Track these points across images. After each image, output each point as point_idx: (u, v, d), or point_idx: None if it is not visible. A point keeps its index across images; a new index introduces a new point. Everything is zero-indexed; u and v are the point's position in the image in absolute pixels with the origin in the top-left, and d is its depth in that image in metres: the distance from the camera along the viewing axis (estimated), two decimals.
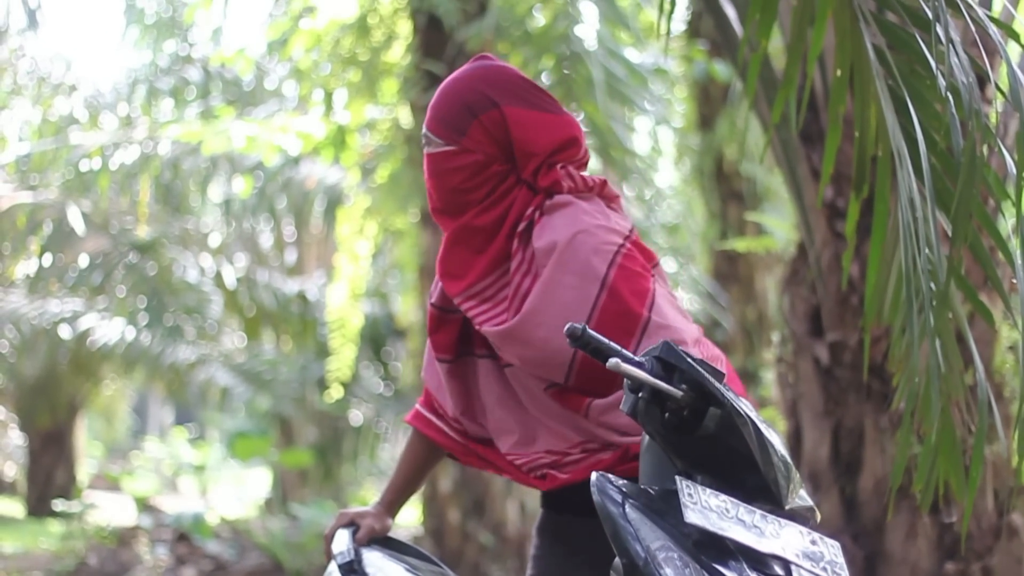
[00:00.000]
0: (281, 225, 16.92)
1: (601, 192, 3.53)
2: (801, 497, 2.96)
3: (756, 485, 2.89)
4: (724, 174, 13.20)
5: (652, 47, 10.36)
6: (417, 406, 3.76)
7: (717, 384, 2.85)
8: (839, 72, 3.78)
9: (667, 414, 2.86)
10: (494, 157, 3.45)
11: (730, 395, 2.86)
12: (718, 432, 2.85)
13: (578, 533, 3.45)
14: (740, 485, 2.88)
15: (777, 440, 2.95)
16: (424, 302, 3.59)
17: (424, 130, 3.53)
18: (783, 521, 2.87)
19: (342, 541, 3.59)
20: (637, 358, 2.85)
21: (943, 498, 5.42)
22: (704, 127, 13.12)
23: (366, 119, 10.95)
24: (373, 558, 3.55)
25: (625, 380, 2.89)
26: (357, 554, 3.55)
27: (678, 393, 2.83)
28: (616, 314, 3.35)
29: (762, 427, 2.90)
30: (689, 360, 2.86)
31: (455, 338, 3.57)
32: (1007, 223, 4.32)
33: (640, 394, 2.86)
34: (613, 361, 2.81)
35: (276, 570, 13.30)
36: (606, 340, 2.88)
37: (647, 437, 2.97)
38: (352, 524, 3.68)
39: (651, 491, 2.88)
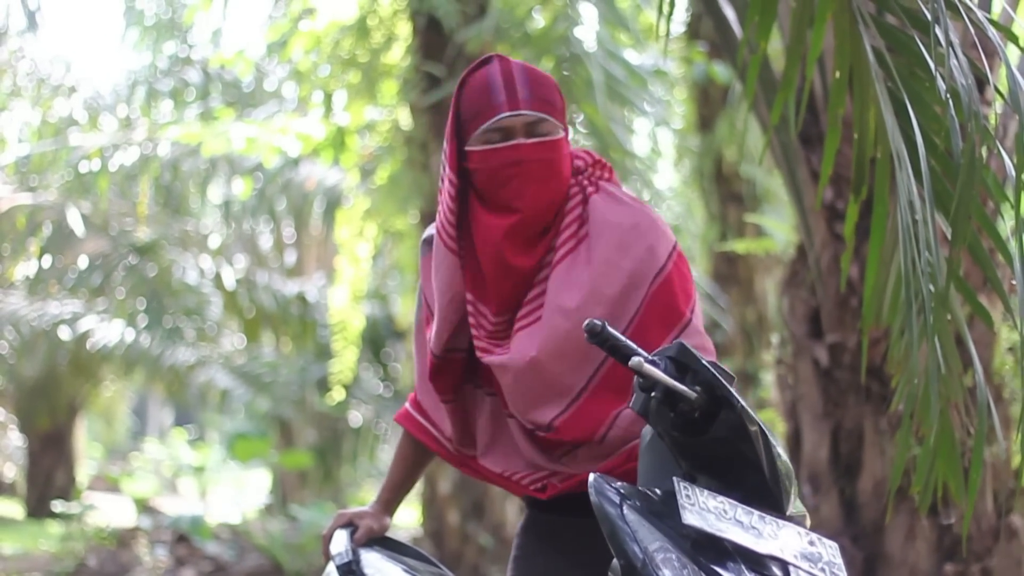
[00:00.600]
0: (281, 227, 16.93)
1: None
2: (796, 506, 2.97)
3: (759, 490, 2.89)
4: (723, 176, 13.20)
5: (651, 49, 10.35)
6: (407, 406, 3.68)
7: (729, 387, 2.86)
8: (838, 74, 3.78)
9: (674, 415, 2.86)
10: None
11: (741, 399, 2.87)
12: (728, 436, 2.86)
13: (565, 533, 3.43)
14: (743, 489, 2.88)
15: (780, 446, 2.96)
16: None
17: (539, 115, 3.32)
18: (781, 522, 2.87)
19: (340, 542, 3.59)
20: (651, 356, 2.85)
21: (942, 500, 5.42)
22: (703, 129, 13.12)
23: (366, 121, 10.94)
24: (371, 559, 3.54)
25: (636, 379, 2.88)
26: (355, 555, 3.55)
27: (692, 395, 2.83)
28: (664, 306, 3.34)
29: (768, 433, 2.91)
30: (703, 362, 2.86)
31: (459, 379, 3.48)
32: (1006, 225, 4.33)
33: (653, 393, 2.86)
34: (636, 360, 2.81)
35: (275, 571, 13.31)
36: (624, 338, 2.87)
37: (646, 438, 2.97)
38: (350, 524, 3.67)
39: (649, 492, 2.88)
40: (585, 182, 3.41)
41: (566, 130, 3.37)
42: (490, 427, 3.47)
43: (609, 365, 3.29)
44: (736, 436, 2.86)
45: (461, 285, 3.39)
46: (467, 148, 3.33)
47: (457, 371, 3.45)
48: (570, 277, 3.32)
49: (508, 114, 3.30)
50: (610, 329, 2.85)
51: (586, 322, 2.86)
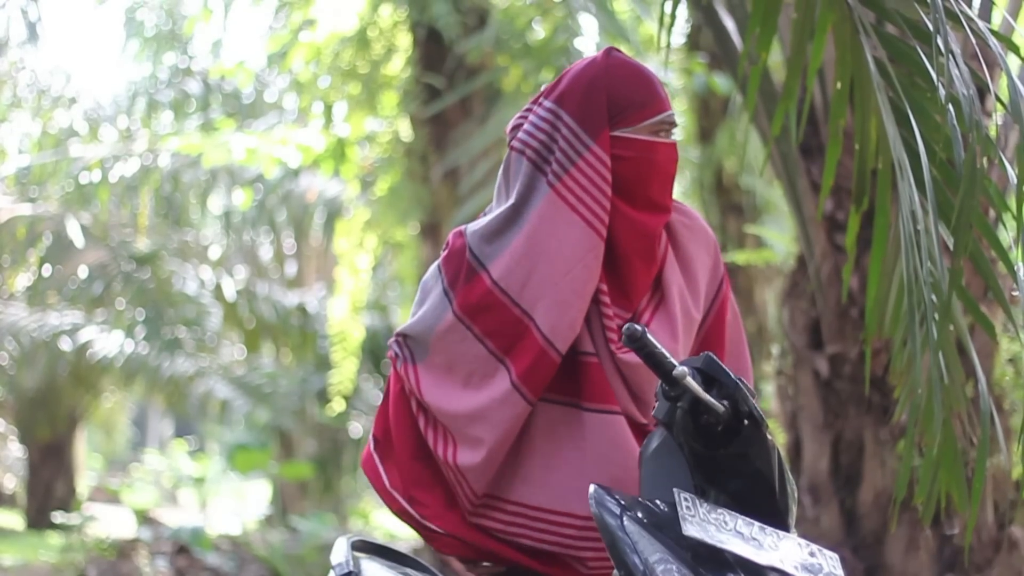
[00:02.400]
0: (281, 237, 16.94)
1: None
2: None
3: (768, 508, 2.90)
4: (724, 187, 13.18)
5: (652, 60, 10.36)
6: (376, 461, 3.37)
7: (754, 403, 2.86)
8: (839, 85, 3.78)
9: (696, 427, 2.87)
10: None
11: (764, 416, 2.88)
12: (748, 451, 2.86)
13: None
14: (752, 506, 2.88)
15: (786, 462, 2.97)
16: None
17: (673, 117, 3.24)
18: (782, 533, 2.87)
19: (340, 552, 3.58)
20: (679, 366, 2.85)
21: (944, 510, 5.42)
22: (704, 140, 13.10)
23: (366, 132, 10.96)
24: (372, 568, 3.54)
25: (661, 386, 2.88)
26: (356, 564, 3.54)
27: (720, 408, 2.83)
28: (728, 296, 3.40)
29: (780, 451, 2.92)
30: (731, 376, 2.86)
31: (551, 377, 3.18)
32: (1008, 234, 4.33)
33: (679, 403, 2.86)
34: (680, 370, 2.81)
35: None
36: (660, 347, 2.85)
37: (649, 448, 2.97)
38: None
39: (649, 504, 2.87)
40: None
41: None
42: (547, 446, 3.20)
43: (693, 350, 3.29)
44: (756, 452, 2.87)
45: (598, 278, 3.19)
46: (627, 135, 3.20)
47: (548, 374, 3.17)
48: (680, 275, 3.30)
49: (670, 112, 3.24)
50: (649, 336, 2.83)
51: (626, 326, 2.83)
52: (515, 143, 3.27)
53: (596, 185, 3.17)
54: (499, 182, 3.31)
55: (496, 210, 3.27)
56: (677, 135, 3.26)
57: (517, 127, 3.29)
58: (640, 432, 3.17)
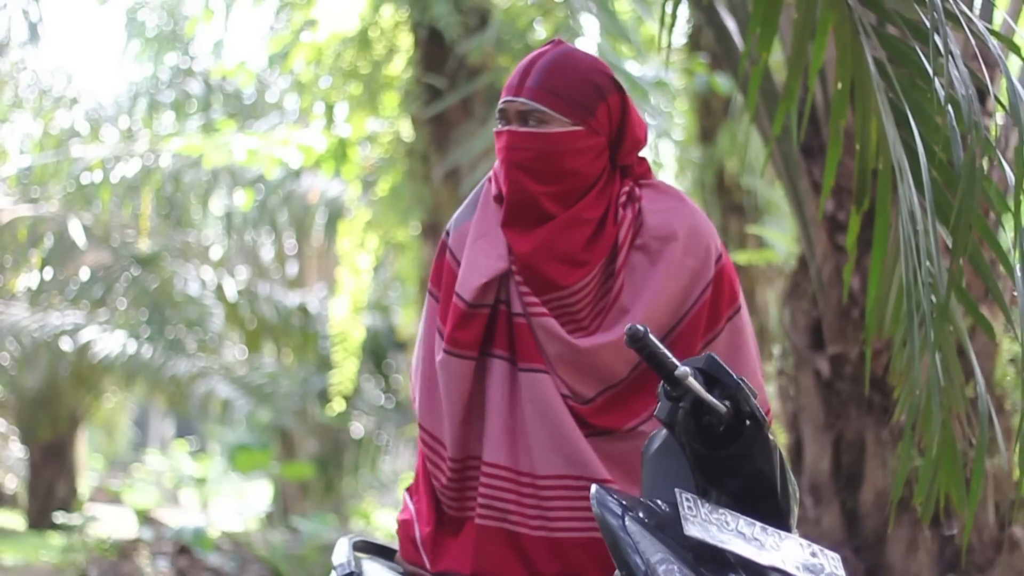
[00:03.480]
0: (282, 238, 16.93)
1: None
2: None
3: (769, 508, 2.90)
4: (725, 187, 13.18)
5: (653, 60, 10.36)
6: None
7: (756, 404, 2.86)
8: (840, 85, 3.78)
9: (697, 427, 2.87)
10: (608, 141, 3.36)
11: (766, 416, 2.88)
12: (750, 452, 2.86)
13: None
14: (754, 506, 2.88)
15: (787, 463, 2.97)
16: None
17: (532, 105, 3.30)
18: (783, 534, 2.88)
19: (342, 552, 3.58)
20: (682, 366, 2.86)
21: (944, 511, 5.41)
22: (705, 140, 13.10)
23: (367, 132, 10.95)
24: (373, 569, 3.54)
25: (663, 386, 2.89)
26: (358, 565, 3.54)
27: (723, 409, 2.83)
28: (719, 297, 3.37)
29: (782, 452, 2.92)
30: (733, 376, 2.87)
31: (480, 335, 3.33)
32: (1007, 236, 4.33)
33: (681, 404, 2.86)
34: (682, 371, 2.82)
35: None
36: (662, 347, 2.86)
37: (651, 449, 2.97)
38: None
39: (651, 504, 2.88)
40: (631, 180, 3.41)
41: (588, 126, 3.32)
42: (504, 391, 3.34)
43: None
44: (758, 453, 2.87)
45: (504, 245, 3.38)
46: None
47: (480, 327, 3.34)
48: (642, 275, 3.32)
49: (505, 99, 3.34)
50: (651, 337, 2.84)
51: (628, 327, 2.85)
52: None
53: (501, 165, 3.37)
54: None
55: (471, 198, 3.53)
56: (532, 124, 3.31)
57: None
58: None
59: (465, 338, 3.32)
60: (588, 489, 3.10)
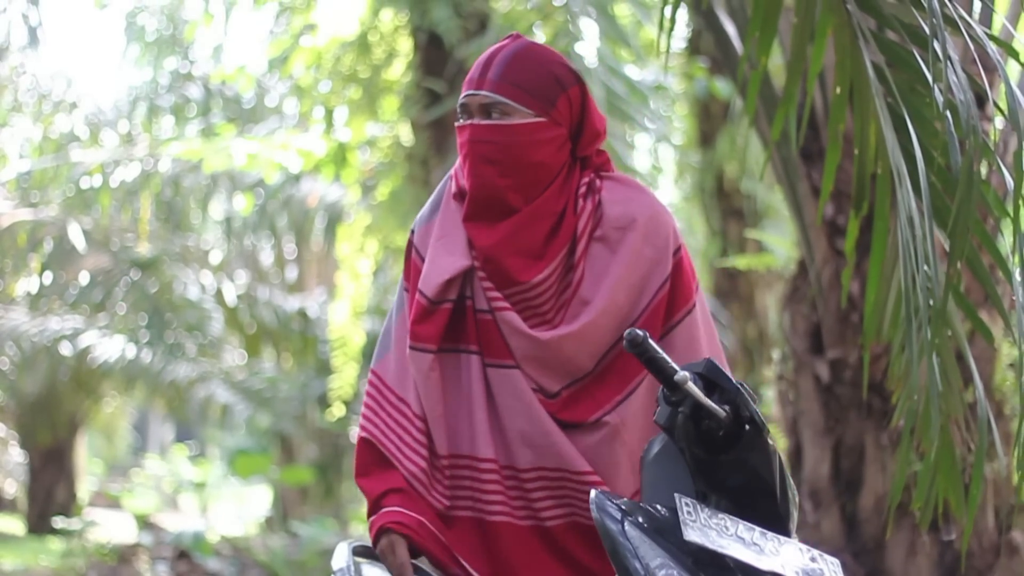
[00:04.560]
0: (282, 242, 16.93)
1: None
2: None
3: (769, 513, 2.90)
4: (724, 191, 13.20)
5: (653, 64, 10.36)
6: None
7: (755, 408, 2.86)
8: (839, 89, 3.78)
9: (697, 432, 2.87)
10: (569, 133, 3.37)
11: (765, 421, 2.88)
12: (750, 456, 2.86)
13: None
14: (753, 511, 2.88)
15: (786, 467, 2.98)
16: None
17: (495, 97, 3.32)
18: (782, 538, 2.87)
19: (342, 556, 3.58)
20: (681, 371, 2.86)
21: (943, 516, 5.41)
22: (704, 144, 13.12)
23: (367, 137, 10.95)
24: (373, 573, 3.54)
25: (662, 390, 2.89)
26: (357, 569, 3.54)
27: (722, 413, 2.83)
28: (680, 287, 3.37)
29: (781, 456, 2.92)
30: (732, 381, 2.87)
31: (441, 329, 3.37)
32: (1005, 241, 4.32)
33: (681, 408, 2.86)
34: (682, 375, 2.82)
35: None
36: (662, 352, 2.87)
37: (651, 453, 2.97)
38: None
39: (650, 509, 2.88)
40: (591, 172, 3.42)
41: (549, 117, 3.33)
42: (484, 397, 3.35)
43: (617, 351, 3.30)
44: (757, 457, 2.87)
45: (464, 241, 3.40)
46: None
47: (441, 321, 3.37)
48: (601, 265, 3.33)
49: (467, 93, 3.36)
50: (650, 341, 2.85)
51: (627, 331, 2.86)
52: None
53: (460, 161, 3.40)
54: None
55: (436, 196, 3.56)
56: (496, 116, 3.32)
57: None
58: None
59: (425, 332, 3.36)
60: (565, 479, 3.22)
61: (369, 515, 3.40)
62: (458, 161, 3.41)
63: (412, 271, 3.47)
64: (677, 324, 3.36)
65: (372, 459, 3.40)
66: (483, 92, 3.33)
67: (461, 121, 3.37)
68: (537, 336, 3.30)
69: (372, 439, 3.39)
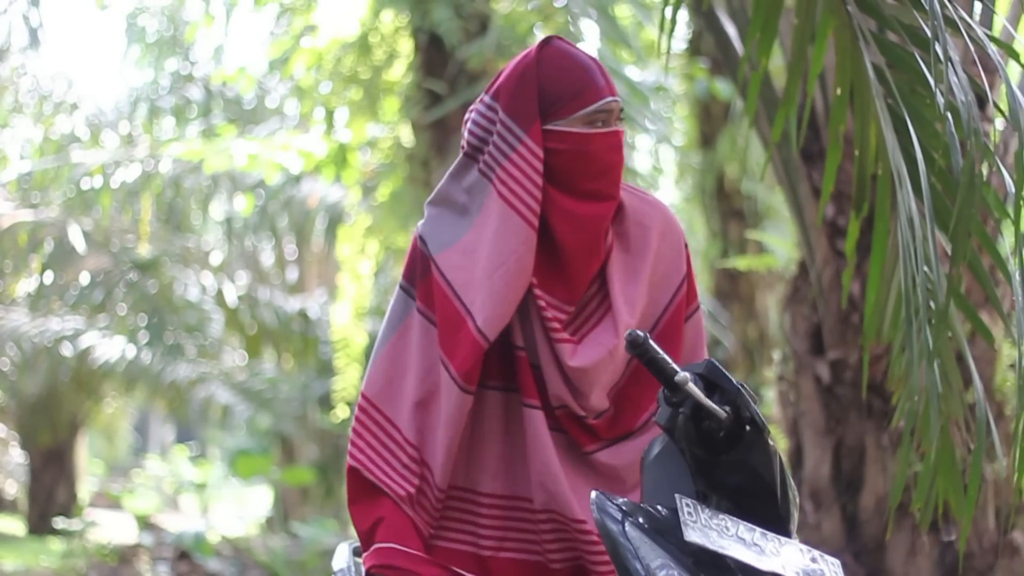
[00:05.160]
0: (282, 243, 16.94)
1: None
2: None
3: (769, 514, 2.90)
4: (725, 192, 13.20)
5: (653, 65, 10.36)
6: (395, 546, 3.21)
7: (756, 409, 2.86)
8: (839, 91, 3.79)
9: (698, 432, 2.87)
10: None
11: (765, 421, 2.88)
12: (751, 457, 2.86)
13: None
14: (753, 511, 2.88)
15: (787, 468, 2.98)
16: None
17: (617, 103, 3.19)
18: (783, 539, 2.88)
19: (342, 557, 3.58)
20: (682, 371, 2.86)
21: (944, 517, 5.42)
22: (705, 145, 13.12)
23: (367, 138, 10.95)
24: None
25: (663, 391, 2.89)
26: (358, 570, 3.54)
27: (723, 414, 2.83)
28: (690, 290, 3.34)
29: (782, 457, 2.92)
30: (733, 382, 2.87)
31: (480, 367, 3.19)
32: (1005, 242, 4.33)
33: (681, 409, 2.86)
34: (682, 376, 2.82)
35: None
36: (662, 352, 2.85)
37: (651, 454, 2.97)
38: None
39: (651, 510, 2.88)
40: None
41: None
42: (504, 432, 3.24)
43: None
44: (757, 458, 2.87)
45: (531, 271, 3.18)
46: (559, 128, 3.18)
47: (481, 360, 3.18)
48: (626, 268, 3.26)
49: (612, 99, 3.19)
50: (651, 342, 2.84)
51: (628, 332, 2.84)
52: (462, 138, 3.30)
53: (529, 178, 3.16)
54: (447, 173, 3.32)
55: (443, 203, 3.29)
56: (621, 123, 3.21)
57: (466, 120, 3.30)
58: (578, 424, 3.22)
59: (475, 374, 3.18)
60: (567, 524, 3.14)
61: (363, 548, 3.28)
62: (525, 180, 3.17)
63: (437, 297, 3.23)
64: (687, 320, 3.35)
65: (360, 486, 3.26)
66: (616, 98, 3.21)
67: (599, 127, 3.18)
68: (585, 366, 3.17)
69: (359, 467, 3.24)
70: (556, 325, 3.19)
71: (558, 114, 3.18)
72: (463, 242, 3.23)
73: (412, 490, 3.20)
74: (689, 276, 3.35)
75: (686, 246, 3.36)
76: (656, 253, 3.29)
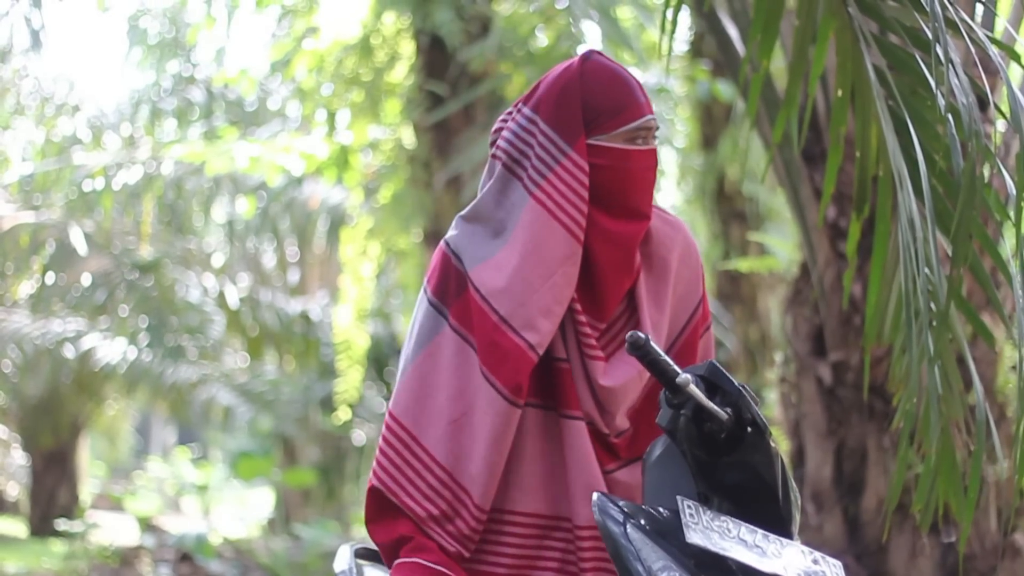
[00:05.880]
0: (284, 245, 16.94)
1: None
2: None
3: (771, 515, 2.90)
4: (726, 194, 13.19)
5: (655, 67, 10.37)
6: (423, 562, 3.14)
7: (757, 411, 2.86)
8: (840, 92, 3.79)
9: (699, 434, 2.87)
10: None
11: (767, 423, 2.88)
12: (752, 459, 2.86)
13: None
14: (754, 513, 2.88)
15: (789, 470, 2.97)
16: None
17: (655, 121, 3.18)
18: (785, 541, 2.88)
19: (344, 558, 3.58)
20: (684, 374, 2.85)
21: (945, 518, 5.42)
22: (706, 147, 13.11)
23: (369, 139, 10.96)
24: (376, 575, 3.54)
25: (664, 393, 2.88)
26: (359, 572, 3.54)
27: (724, 416, 2.83)
28: (706, 305, 3.34)
29: (783, 458, 2.92)
30: (735, 383, 2.87)
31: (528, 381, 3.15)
32: (1006, 244, 4.32)
33: (683, 411, 2.86)
34: (684, 378, 2.81)
35: None
36: (664, 355, 2.84)
37: (653, 456, 2.97)
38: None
39: (653, 511, 2.88)
40: None
41: None
42: (540, 449, 3.18)
43: None
44: (759, 460, 2.87)
45: (575, 285, 3.16)
46: (601, 143, 3.15)
47: (528, 377, 3.13)
48: (651, 290, 3.24)
49: (651, 117, 3.17)
50: (652, 344, 2.83)
51: (628, 334, 2.83)
52: (495, 150, 3.23)
53: (575, 191, 3.13)
54: (483, 189, 3.26)
55: (479, 218, 3.24)
56: (655, 141, 3.19)
57: (498, 131, 3.25)
58: (601, 442, 3.18)
59: (525, 387, 3.13)
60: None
61: (386, 561, 3.23)
62: (571, 194, 3.14)
63: (476, 315, 3.17)
64: (700, 337, 3.35)
65: (380, 506, 3.21)
66: (655, 116, 3.19)
67: (639, 145, 3.17)
68: (615, 385, 3.15)
69: (381, 487, 3.20)
70: (592, 342, 3.17)
71: (600, 129, 3.15)
72: (500, 256, 3.18)
73: (436, 512, 3.14)
74: (704, 298, 3.34)
75: (701, 267, 3.35)
76: (676, 275, 3.27)
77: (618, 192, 3.16)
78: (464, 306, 3.19)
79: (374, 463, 3.24)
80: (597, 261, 3.17)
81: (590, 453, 3.14)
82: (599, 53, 3.23)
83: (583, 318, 3.17)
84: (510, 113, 3.25)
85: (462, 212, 3.28)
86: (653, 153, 3.19)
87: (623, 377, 3.16)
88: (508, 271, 3.14)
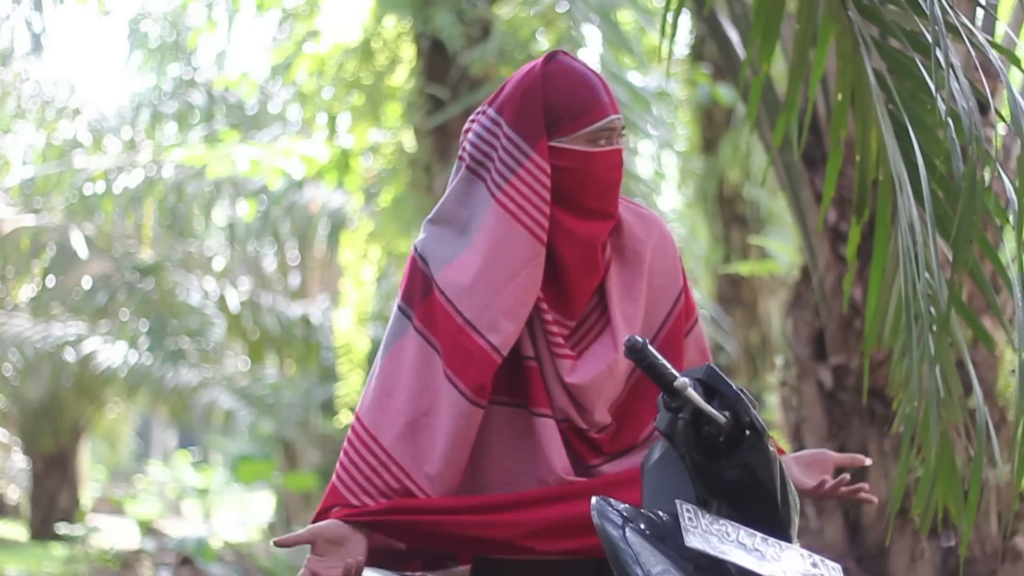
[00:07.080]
0: (285, 249, 16.93)
1: None
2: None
3: (770, 519, 2.90)
4: (727, 198, 13.20)
5: (655, 71, 10.37)
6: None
7: (756, 414, 2.86)
8: (840, 96, 3.79)
9: (697, 438, 2.87)
10: None
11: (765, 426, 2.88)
12: (751, 462, 2.86)
13: None
14: (754, 517, 2.88)
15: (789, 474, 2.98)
16: None
17: (620, 121, 3.18)
18: (784, 544, 2.88)
19: None
20: (681, 376, 2.85)
21: (946, 522, 5.42)
22: (707, 151, 13.12)
23: (370, 143, 10.96)
24: None
25: (662, 396, 2.88)
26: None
27: (722, 419, 2.83)
28: (688, 300, 3.33)
29: (782, 462, 2.92)
30: (733, 387, 2.87)
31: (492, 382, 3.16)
32: (1007, 248, 4.32)
33: (681, 414, 2.86)
34: (681, 381, 2.81)
35: None
36: (661, 358, 2.84)
37: (652, 459, 2.97)
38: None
39: (652, 515, 2.87)
40: None
41: None
42: (511, 446, 3.20)
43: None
44: (758, 463, 2.87)
45: (539, 286, 3.18)
46: (563, 145, 3.16)
47: (492, 378, 3.15)
48: (623, 284, 3.25)
49: (615, 116, 3.17)
50: (650, 347, 2.83)
51: (627, 337, 2.83)
52: (461, 151, 3.26)
53: (537, 193, 3.15)
54: (448, 190, 3.27)
55: (443, 220, 3.26)
56: (621, 140, 3.20)
57: (466, 131, 3.27)
58: (581, 438, 3.19)
59: (487, 388, 3.15)
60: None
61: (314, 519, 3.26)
62: (533, 196, 3.15)
63: (440, 318, 3.19)
64: (687, 335, 3.34)
65: (334, 500, 3.24)
66: (620, 116, 3.19)
67: (601, 146, 3.17)
68: (584, 382, 3.17)
69: (339, 484, 3.23)
70: (559, 340, 3.18)
71: (562, 131, 3.16)
72: (464, 257, 3.19)
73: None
74: (685, 290, 3.34)
75: (680, 260, 3.35)
76: (651, 268, 3.28)
77: (581, 193, 3.18)
78: (428, 308, 3.21)
79: (338, 462, 3.26)
80: (563, 261, 3.19)
81: (561, 450, 3.16)
82: (564, 53, 3.24)
83: (550, 316, 3.18)
84: (478, 114, 3.27)
85: (429, 216, 3.29)
86: (617, 153, 3.20)
87: (591, 374, 3.17)
88: (472, 272, 3.17)
